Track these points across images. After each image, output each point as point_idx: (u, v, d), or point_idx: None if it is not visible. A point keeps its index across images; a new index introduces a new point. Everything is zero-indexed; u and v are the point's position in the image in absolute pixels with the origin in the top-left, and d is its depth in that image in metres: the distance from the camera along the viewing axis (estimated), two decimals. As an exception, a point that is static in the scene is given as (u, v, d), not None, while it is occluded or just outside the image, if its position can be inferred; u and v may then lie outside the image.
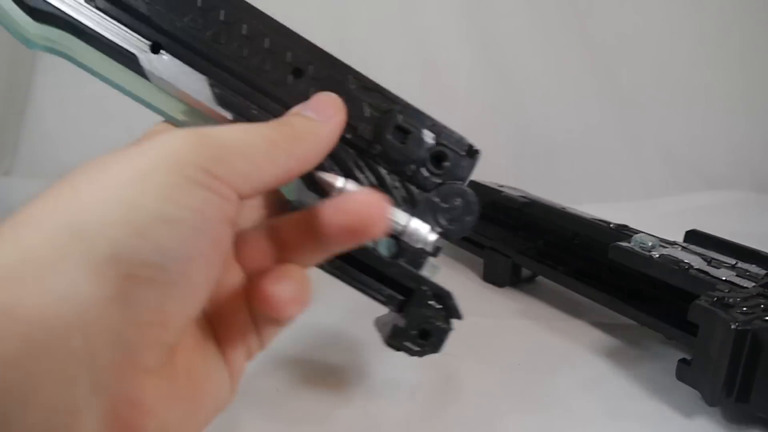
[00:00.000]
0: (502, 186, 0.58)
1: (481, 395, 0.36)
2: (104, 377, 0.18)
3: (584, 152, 0.82)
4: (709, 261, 0.39)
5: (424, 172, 0.28)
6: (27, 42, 0.27)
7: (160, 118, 0.28)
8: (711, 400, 0.33)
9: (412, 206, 0.28)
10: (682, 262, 0.39)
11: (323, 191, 0.26)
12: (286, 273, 0.24)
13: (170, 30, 0.26)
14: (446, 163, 0.28)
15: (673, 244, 0.42)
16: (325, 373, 0.38)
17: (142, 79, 0.27)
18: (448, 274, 0.33)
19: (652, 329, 0.41)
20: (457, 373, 0.38)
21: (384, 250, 0.28)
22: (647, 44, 0.83)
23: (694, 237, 0.45)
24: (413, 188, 0.28)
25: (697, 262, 0.39)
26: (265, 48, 0.27)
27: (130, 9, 0.26)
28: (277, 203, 0.28)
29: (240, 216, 0.26)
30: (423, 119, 0.28)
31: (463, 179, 0.28)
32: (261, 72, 0.27)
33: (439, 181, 0.28)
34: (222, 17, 0.27)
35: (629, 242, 0.41)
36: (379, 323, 0.31)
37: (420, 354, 0.29)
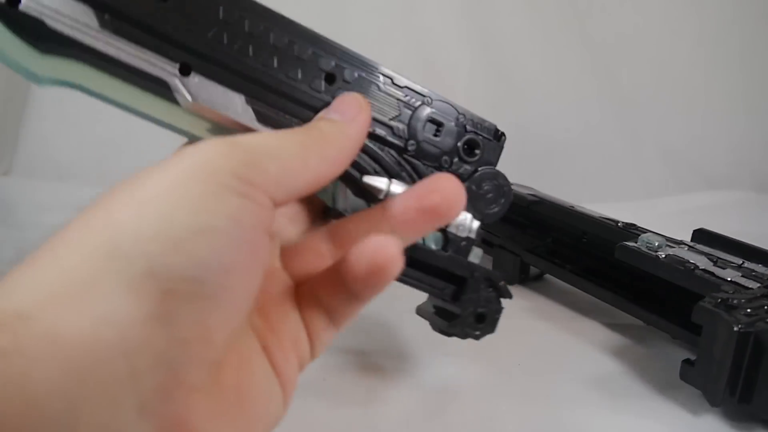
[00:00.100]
0: (511, 184, 0.58)
1: (488, 392, 0.36)
2: (150, 399, 0.17)
3: (584, 152, 0.82)
4: (715, 261, 0.39)
5: (459, 162, 0.28)
6: (36, 79, 0.24)
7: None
8: (714, 400, 0.33)
9: None
10: (688, 262, 0.39)
11: (371, 195, 0.27)
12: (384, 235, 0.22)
13: (195, 47, 0.24)
14: (478, 150, 0.28)
15: (680, 243, 0.42)
16: (325, 372, 0.38)
17: (166, 102, 0.25)
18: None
19: (657, 329, 0.41)
20: (464, 370, 0.38)
21: (432, 243, 0.28)
22: (647, 44, 0.83)
23: (701, 236, 0.45)
24: None
25: (703, 263, 0.39)
26: (295, 56, 0.26)
27: (150, 28, 0.24)
28: (322, 215, 0.28)
29: (284, 229, 0.26)
30: (452, 109, 0.28)
31: (492, 164, 0.29)
32: (295, 82, 0.26)
33: (472, 168, 0.29)
34: (247, 28, 0.25)
35: (636, 242, 0.42)
36: (424, 312, 0.33)
37: (478, 337, 0.30)
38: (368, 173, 0.27)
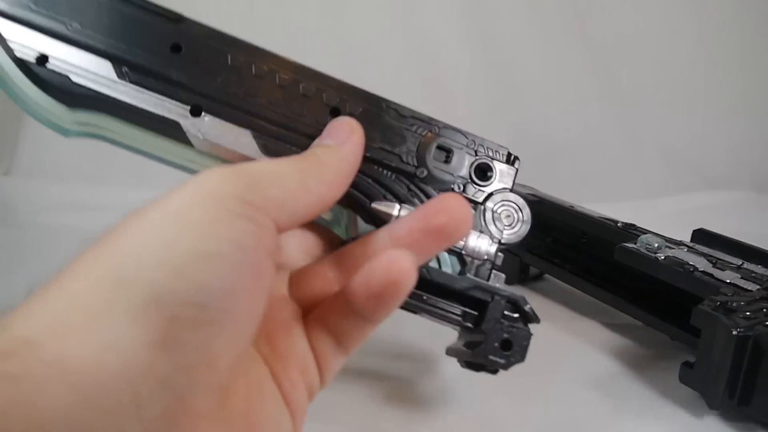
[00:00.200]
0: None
1: (488, 392, 0.36)
2: (155, 426, 0.17)
3: (584, 152, 0.82)
4: (715, 263, 0.39)
5: (472, 187, 0.28)
6: (64, 132, 0.27)
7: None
8: (712, 403, 0.33)
9: None
10: (687, 264, 0.39)
11: (381, 222, 0.27)
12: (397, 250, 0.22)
13: (206, 92, 0.26)
14: (490, 173, 0.28)
15: (679, 244, 0.42)
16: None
17: (180, 144, 0.27)
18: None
19: (657, 330, 0.41)
20: (464, 370, 0.38)
21: (448, 269, 0.28)
22: (647, 44, 0.83)
23: (700, 236, 0.45)
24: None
25: (702, 264, 0.39)
26: (300, 94, 0.27)
27: (164, 77, 0.26)
28: (333, 246, 0.28)
29: (297, 261, 0.27)
30: (461, 135, 0.29)
31: (507, 187, 0.29)
32: (300, 117, 0.27)
33: (486, 192, 0.28)
34: (254, 71, 0.27)
35: (635, 243, 0.42)
36: (454, 351, 0.30)
37: (506, 366, 0.28)
38: (377, 199, 0.27)
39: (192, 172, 0.28)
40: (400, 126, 0.28)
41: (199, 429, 0.18)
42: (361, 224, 0.28)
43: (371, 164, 0.27)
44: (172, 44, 0.26)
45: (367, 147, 0.27)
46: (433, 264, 0.27)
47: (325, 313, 0.24)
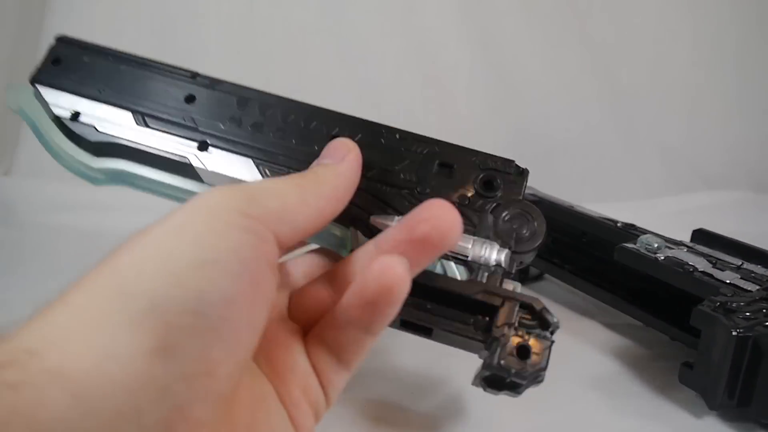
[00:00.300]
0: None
1: (487, 393, 0.37)
2: None
3: (584, 152, 0.83)
4: (714, 263, 0.39)
5: (478, 199, 0.28)
6: (93, 180, 0.31)
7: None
8: (712, 403, 0.33)
9: (473, 231, 0.28)
10: (687, 264, 0.39)
11: None
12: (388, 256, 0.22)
13: (214, 132, 0.30)
14: (497, 183, 0.28)
15: (679, 244, 0.42)
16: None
17: (191, 181, 0.30)
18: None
19: (657, 330, 0.42)
20: (461, 371, 0.38)
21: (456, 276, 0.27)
22: (646, 45, 0.83)
23: (700, 236, 0.45)
24: (472, 214, 0.28)
25: (702, 264, 0.39)
26: (301, 127, 0.30)
27: (176, 123, 0.30)
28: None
29: (298, 283, 0.27)
30: (464, 152, 0.29)
31: (516, 196, 0.28)
32: (301, 147, 0.29)
33: (494, 202, 0.28)
34: (258, 111, 0.30)
35: (635, 243, 0.42)
36: (477, 378, 0.27)
37: (525, 375, 0.25)
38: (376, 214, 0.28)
39: None
40: (399, 147, 0.29)
41: None
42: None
43: (372, 182, 0.28)
44: (187, 95, 0.30)
45: (367, 166, 0.28)
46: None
47: (322, 330, 0.25)
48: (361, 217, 0.28)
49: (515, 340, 0.25)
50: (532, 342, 0.25)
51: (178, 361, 0.18)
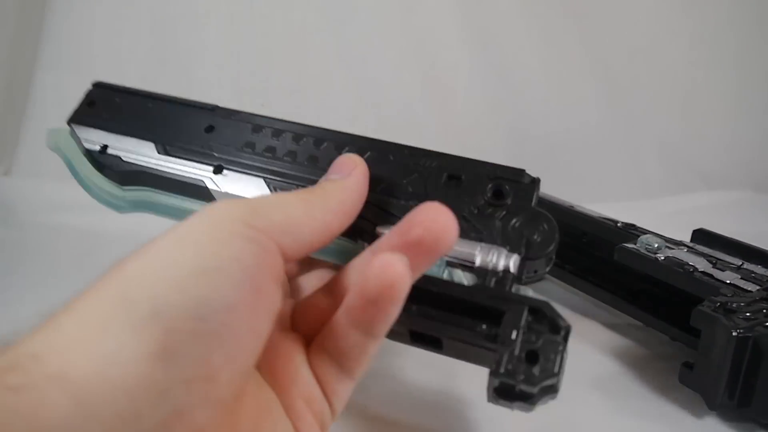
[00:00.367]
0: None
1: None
2: None
3: (583, 152, 0.83)
4: (714, 263, 0.39)
5: (487, 208, 0.28)
6: (118, 208, 0.34)
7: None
8: (712, 404, 0.33)
9: (480, 238, 0.27)
10: (687, 264, 0.39)
11: None
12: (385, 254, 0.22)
13: (229, 157, 0.32)
14: (506, 192, 0.28)
15: (679, 244, 0.42)
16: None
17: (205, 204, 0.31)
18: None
19: (657, 330, 0.42)
20: (460, 372, 0.39)
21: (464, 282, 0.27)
22: (646, 44, 0.83)
23: (700, 236, 0.45)
24: (481, 222, 0.28)
25: (702, 265, 0.39)
26: (312, 148, 0.31)
27: (194, 150, 0.32)
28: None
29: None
30: (473, 163, 0.29)
31: (527, 204, 0.28)
32: (312, 167, 0.30)
33: (504, 210, 0.28)
34: (270, 135, 0.32)
35: (635, 243, 0.42)
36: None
37: (533, 381, 0.23)
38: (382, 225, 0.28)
39: None
40: (408, 162, 0.29)
41: None
42: None
43: (379, 195, 0.28)
44: (207, 126, 0.33)
45: (375, 181, 0.28)
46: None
47: (324, 339, 0.25)
48: (368, 229, 0.28)
49: (524, 346, 0.24)
50: (541, 346, 0.24)
51: (179, 366, 0.18)
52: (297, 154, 0.31)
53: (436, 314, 0.25)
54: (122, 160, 0.33)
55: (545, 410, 0.35)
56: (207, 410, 0.19)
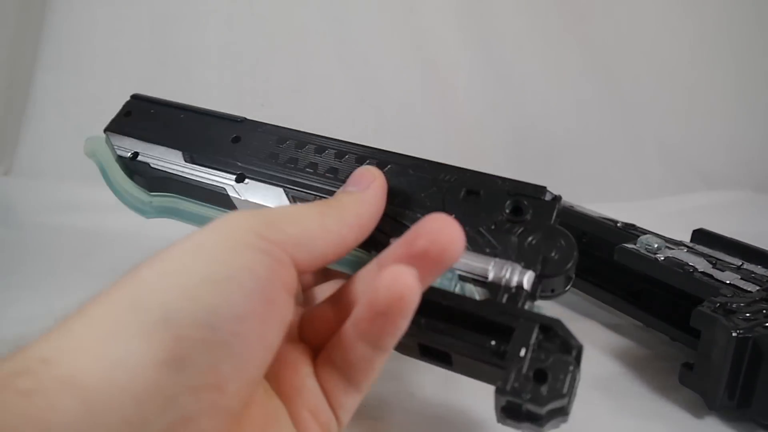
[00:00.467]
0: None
1: (488, 392, 0.36)
2: None
3: (583, 152, 0.83)
4: (714, 263, 0.39)
5: (505, 223, 0.27)
6: (145, 213, 0.35)
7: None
8: (712, 404, 0.33)
9: (495, 253, 0.27)
10: (687, 265, 0.39)
11: None
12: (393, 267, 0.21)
13: (253, 167, 0.33)
14: (525, 208, 0.28)
15: (679, 244, 0.42)
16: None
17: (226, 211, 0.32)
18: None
19: (657, 330, 0.42)
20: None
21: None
22: (646, 45, 0.83)
23: (700, 236, 0.45)
24: (497, 237, 0.27)
25: (702, 265, 0.39)
26: (333, 159, 0.31)
27: (219, 159, 0.33)
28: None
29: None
30: (492, 179, 0.29)
31: (546, 221, 0.27)
32: (332, 178, 0.31)
33: (522, 226, 0.27)
34: (294, 147, 0.32)
35: (635, 243, 0.42)
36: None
37: (541, 401, 0.22)
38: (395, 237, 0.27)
39: None
40: (426, 176, 0.29)
41: None
42: None
43: (396, 208, 0.28)
44: (234, 137, 0.34)
45: (393, 194, 0.28)
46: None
47: (331, 351, 0.24)
48: (383, 241, 0.27)
49: (532, 364, 0.23)
50: (550, 365, 0.23)
51: (187, 373, 0.18)
52: (318, 165, 0.31)
53: (445, 328, 0.25)
54: (150, 166, 0.35)
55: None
56: (214, 418, 0.19)
